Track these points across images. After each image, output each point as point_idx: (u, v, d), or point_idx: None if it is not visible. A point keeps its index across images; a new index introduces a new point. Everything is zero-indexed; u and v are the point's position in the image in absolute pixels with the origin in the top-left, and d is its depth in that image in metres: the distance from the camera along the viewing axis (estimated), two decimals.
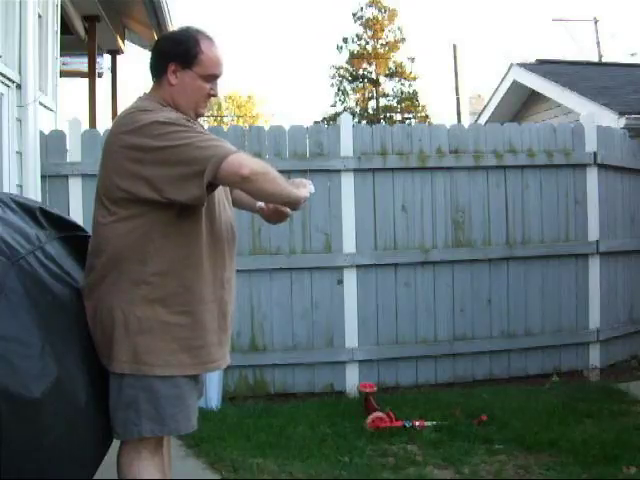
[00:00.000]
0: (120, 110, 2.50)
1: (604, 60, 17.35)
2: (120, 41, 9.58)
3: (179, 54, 2.37)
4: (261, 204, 2.55)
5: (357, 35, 31.15)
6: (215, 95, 2.47)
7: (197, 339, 2.34)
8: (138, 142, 2.23)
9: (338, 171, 5.44)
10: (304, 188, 2.40)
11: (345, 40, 31.20)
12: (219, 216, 2.41)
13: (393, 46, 31.00)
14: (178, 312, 2.30)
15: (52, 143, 5.12)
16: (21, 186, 4.68)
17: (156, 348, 2.28)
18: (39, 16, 5.45)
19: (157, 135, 2.22)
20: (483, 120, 9.89)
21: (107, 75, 10.17)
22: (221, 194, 2.44)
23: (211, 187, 2.23)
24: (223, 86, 2.61)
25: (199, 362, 2.36)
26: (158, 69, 2.42)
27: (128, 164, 2.25)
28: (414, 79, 30.95)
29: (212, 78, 2.43)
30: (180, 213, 2.27)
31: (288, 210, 2.47)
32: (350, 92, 31.49)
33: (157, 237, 2.28)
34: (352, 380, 5.36)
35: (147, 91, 2.47)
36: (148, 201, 2.25)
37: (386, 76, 31.06)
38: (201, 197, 2.21)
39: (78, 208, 4.99)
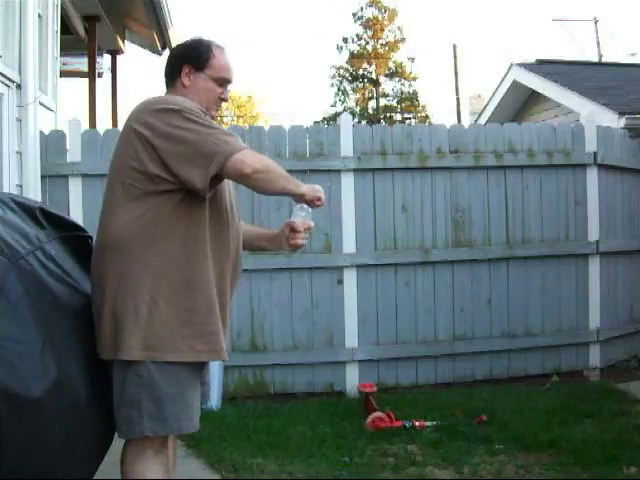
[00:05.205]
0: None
1: (604, 60, 17.35)
2: (120, 41, 9.58)
3: (193, 57, 2.51)
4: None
5: (357, 35, 31.09)
6: (226, 100, 2.59)
7: (208, 325, 2.35)
8: (157, 123, 2.30)
9: (338, 171, 5.43)
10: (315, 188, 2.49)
11: (345, 40, 31.14)
12: (225, 204, 2.46)
13: (393, 46, 30.94)
14: (188, 298, 2.32)
15: (52, 143, 5.12)
16: (21, 186, 4.68)
17: (167, 334, 2.29)
18: (39, 16, 5.44)
19: (175, 125, 2.29)
20: (483, 120, 9.89)
21: (107, 75, 10.16)
22: (230, 183, 2.51)
23: (216, 179, 2.31)
24: None
25: (211, 349, 2.36)
26: (173, 72, 2.54)
27: (142, 143, 2.30)
28: (414, 79, 30.90)
29: (223, 82, 2.54)
30: (188, 201, 2.33)
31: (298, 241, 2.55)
32: (350, 92, 31.43)
33: (164, 225, 2.31)
34: (352, 380, 5.36)
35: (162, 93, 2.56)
36: (157, 186, 2.30)
37: (386, 76, 31.01)
38: (203, 189, 2.28)
39: (78, 208, 5.00)
